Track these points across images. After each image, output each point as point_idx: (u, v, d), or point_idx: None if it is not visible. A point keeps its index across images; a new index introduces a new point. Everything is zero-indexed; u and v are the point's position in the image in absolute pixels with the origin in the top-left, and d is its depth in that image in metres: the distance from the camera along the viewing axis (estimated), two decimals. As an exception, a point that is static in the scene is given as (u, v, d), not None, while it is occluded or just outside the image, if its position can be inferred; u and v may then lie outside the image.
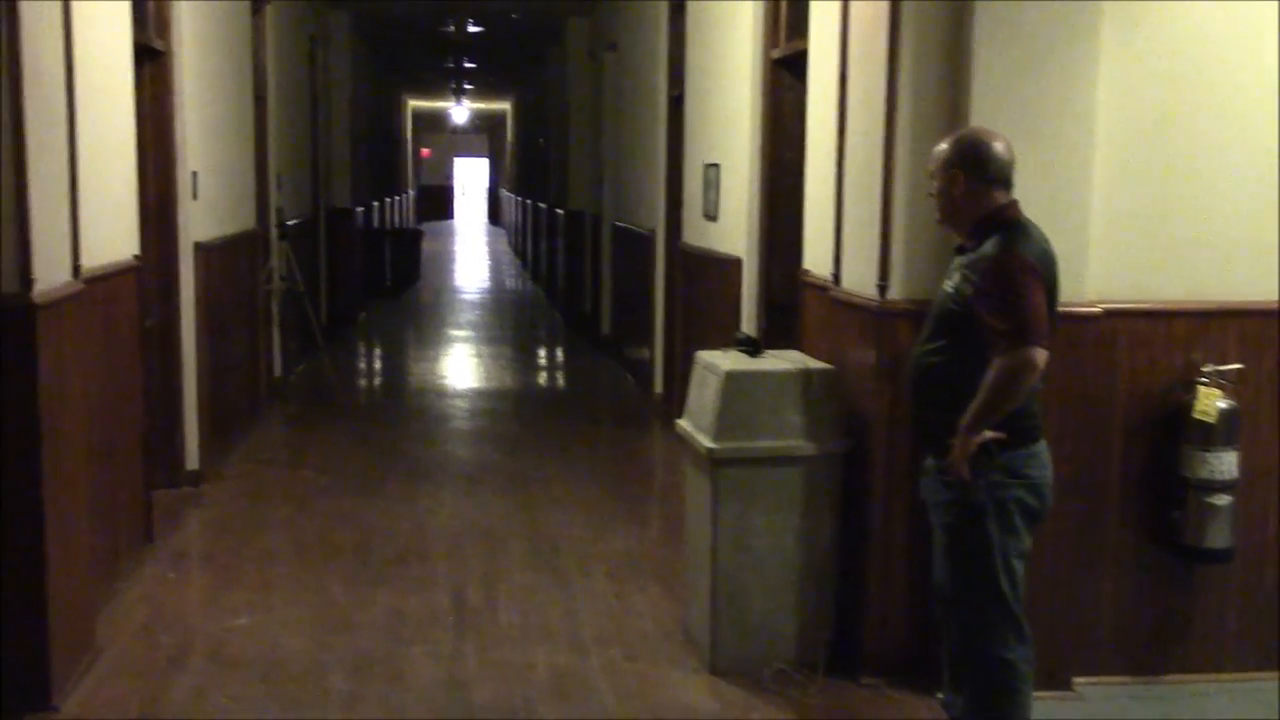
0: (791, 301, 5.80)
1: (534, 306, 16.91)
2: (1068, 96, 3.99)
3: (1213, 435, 4.07)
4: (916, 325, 3.93)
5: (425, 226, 28.17)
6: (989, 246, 3.40)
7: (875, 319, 4.19)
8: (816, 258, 4.98)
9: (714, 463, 4.29)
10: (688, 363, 7.80)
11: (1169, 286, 4.22)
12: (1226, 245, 4.24)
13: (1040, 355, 3.29)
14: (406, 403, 9.99)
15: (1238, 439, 4.11)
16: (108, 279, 4.92)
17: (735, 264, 6.61)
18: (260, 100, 8.85)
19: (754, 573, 4.38)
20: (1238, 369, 4.17)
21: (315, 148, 12.01)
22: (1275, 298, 4.24)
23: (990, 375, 3.30)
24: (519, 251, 24.52)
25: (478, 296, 18.51)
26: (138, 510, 5.53)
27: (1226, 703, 4.30)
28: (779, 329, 6.07)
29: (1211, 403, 4.06)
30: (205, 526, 6.16)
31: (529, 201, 21.54)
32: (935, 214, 3.67)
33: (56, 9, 4.13)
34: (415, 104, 29.19)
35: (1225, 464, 4.09)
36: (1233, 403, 4.10)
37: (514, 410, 9.74)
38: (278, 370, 9.43)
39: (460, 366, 11.79)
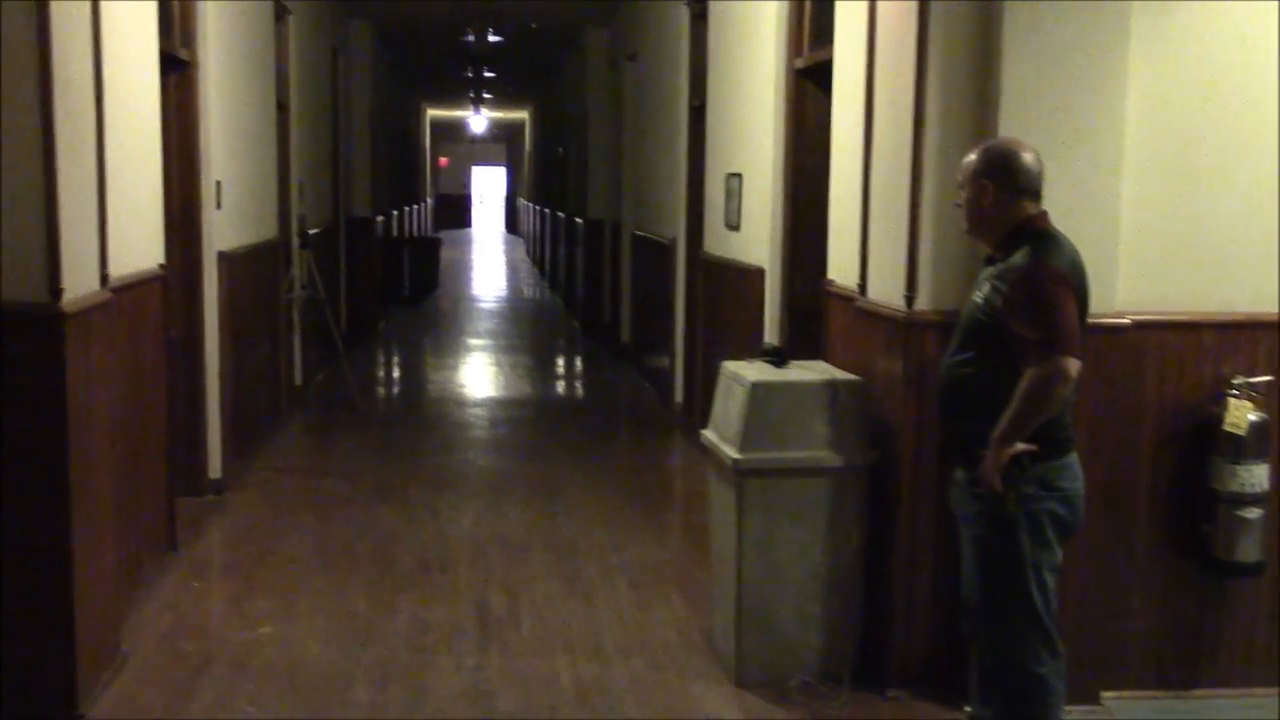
0: (815, 311, 5.79)
1: (552, 315, 16.92)
2: (1097, 106, 3.98)
3: (1243, 448, 4.04)
4: (944, 336, 3.92)
5: (443, 235, 28.20)
6: (1019, 257, 3.39)
7: (902, 330, 4.18)
8: (841, 268, 4.97)
9: (739, 473, 4.28)
10: (708, 372, 7.84)
11: (1198, 297, 4.20)
12: (1256, 256, 4.21)
13: (1073, 365, 3.27)
14: (426, 411, 10.00)
15: (1269, 452, 4.08)
16: (134, 288, 4.94)
17: (758, 273, 6.60)
18: (282, 109, 8.88)
19: (779, 584, 4.37)
20: (1268, 381, 4.14)
21: (336, 156, 12.05)
22: (1306, 309, 4.21)
23: (1022, 386, 3.28)
24: (537, 260, 24.55)
25: (496, 305, 18.53)
26: (161, 518, 5.54)
27: (1256, 718, 4.26)
28: (802, 339, 6.06)
29: (1242, 415, 4.03)
30: (228, 534, 6.17)
31: (547, 210, 21.57)
32: (963, 224, 3.65)
33: (86, 19, 4.14)
34: (433, 113, 29.28)
35: (1256, 477, 4.05)
36: (1263, 415, 4.06)
37: (534, 419, 9.75)
38: (298, 379, 9.45)
39: (479, 375, 11.80)
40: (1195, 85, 4.14)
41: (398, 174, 18.83)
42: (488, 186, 46.91)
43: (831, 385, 4.35)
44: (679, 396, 9.13)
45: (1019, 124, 3.91)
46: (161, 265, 5.47)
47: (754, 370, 4.46)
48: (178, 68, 6.24)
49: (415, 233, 22.33)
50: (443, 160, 40.36)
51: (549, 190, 21.61)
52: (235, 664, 4.55)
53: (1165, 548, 4.25)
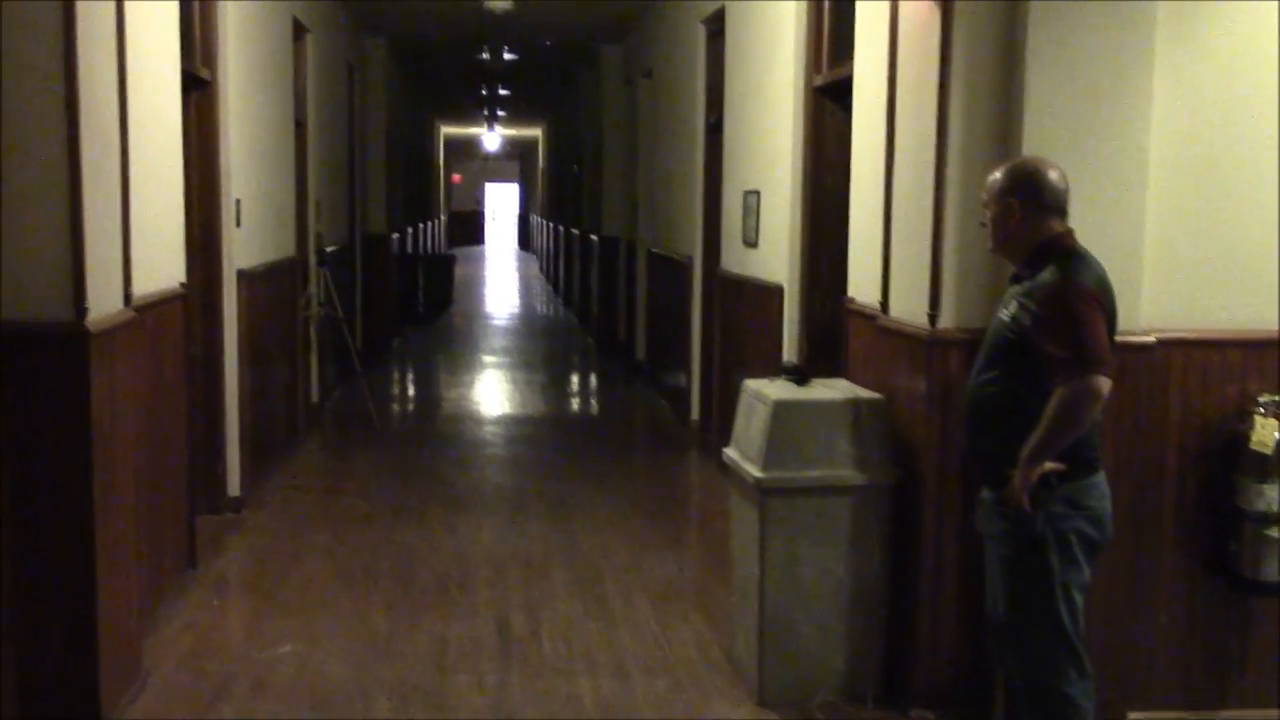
0: (834, 329, 5.79)
1: (567, 332, 16.93)
2: (1121, 123, 3.97)
3: (1269, 466, 4.00)
4: (968, 354, 3.91)
5: (456, 251, 28.27)
6: (1047, 275, 3.38)
7: (926, 348, 4.16)
8: (862, 285, 4.96)
9: (762, 492, 4.26)
10: (725, 389, 7.84)
11: (1223, 315, 4.18)
12: (1281, 273, 4.19)
13: (1103, 383, 3.26)
14: (443, 428, 9.99)
15: (1295, 470, 4.05)
16: (156, 306, 4.95)
17: (776, 291, 6.60)
18: (300, 127, 8.92)
19: (802, 603, 4.35)
20: (1294, 398, 4.12)
21: (352, 174, 12.09)
22: (1332, 327, 4.19)
23: (1052, 405, 3.27)
24: (550, 277, 24.58)
25: (511, 322, 18.55)
26: (182, 536, 5.55)
27: (1283, 738, 4.24)
28: (821, 356, 6.05)
29: (1268, 433, 4.01)
30: (247, 553, 6.17)
31: (561, 227, 21.60)
32: (987, 242, 3.64)
33: (111, 39, 4.17)
34: (447, 130, 29.37)
35: (1283, 496, 4.03)
36: (1290, 433, 4.04)
37: (550, 436, 9.74)
38: (315, 396, 9.46)
39: (495, 392, 11.81)
40: (1218, 101, 4.13)
41: (412, 191, 18.88)
42: (500, 203, 47.00)
43: (854, 403, 4.34)
44: (695, 414, 9.12)
45: (1043, 140, 3.91)
46: (183, 284, 5.49)
47: (776, 388, 4.45)
48: (198, 87, 6.27)
49: (429, 250, 22.37)
50: (456, 177, 40.48)
51: (563, 207, 21.65)
52: (256, 683, 4.54)
53: (1191, 567, 4.22)
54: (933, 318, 4.14)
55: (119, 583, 4.20)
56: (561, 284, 21.21)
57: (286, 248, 8.25)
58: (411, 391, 12.51)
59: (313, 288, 9.22)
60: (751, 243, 7.23)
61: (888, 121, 4.54)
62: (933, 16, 4.14)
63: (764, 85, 6.96)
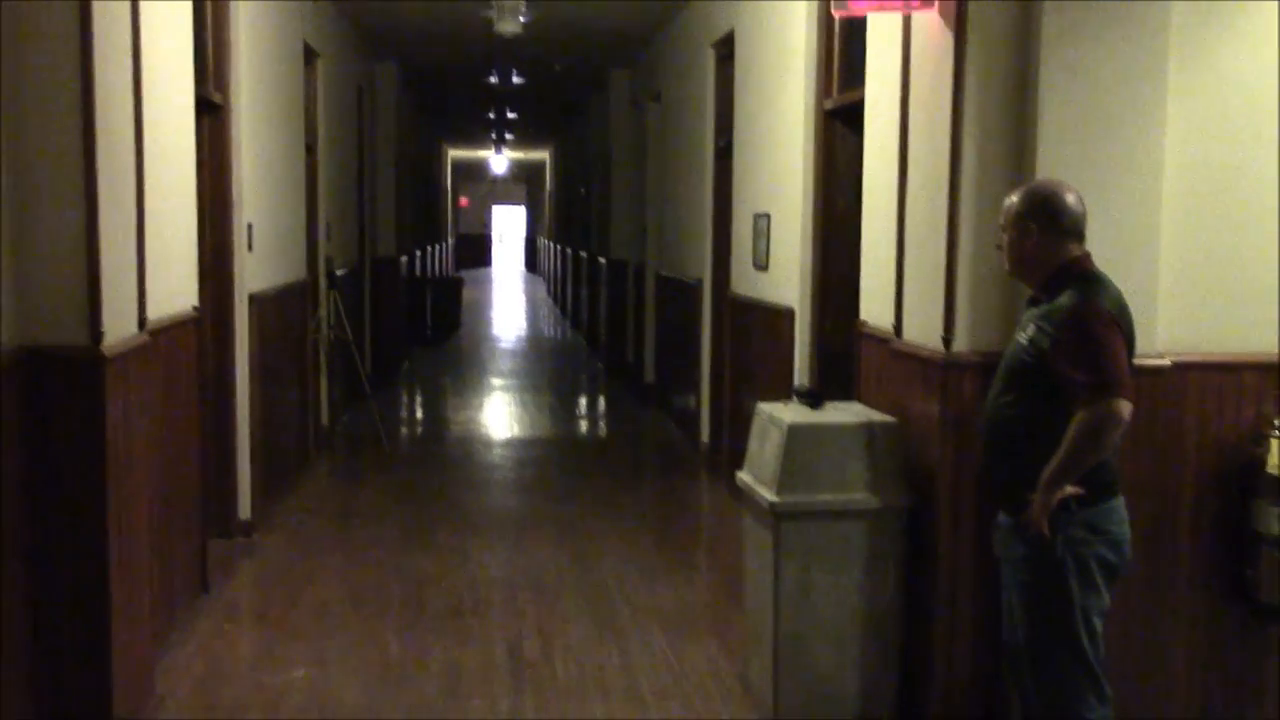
0: (845, 352, 5.78)
1: (575, 355, 16.93)
2: (1135, 146, 3.97)
3: (1287, 490, 4.00)
4: (983, 378, 3.91)
5: (464, 274, 28.30)
6: (1065, 299, 3.37)
7: (940, 372, 4.15)
8: (875, 308, 4.96)
9: (777, 516, 4.25)
10: (736, 412, 7.83)
11: (1238, 338, 4.16)
12: (1296, 296, 4.18)
13: (1125, 407, 3.25)
14: (453, 451, 9.99)
15: (1313, 494, 4.03)
16: (169, 330, 4.96)
17: (787, 314, 6.59)
18: (311, 150, 8.95)
19: (817, 627, 4.33)
20: (1311, 422, 4.10)
21: (361, 197, 12.12)
22: (1348, 349, 4.17)
23: (1074, 429, 3.26)
24: (558, 299, 24.61)
25: (519, 345, 18.56)
26: (194, 560, 5.54)
27: (1303, 764, 4.20)
28: (832, 379, 6.04)
29: (1286, 457, 3.99)
30: (259, 577, 6.16)
31: (569, 250, 21.63)
32: (1003, 265, 3.64)
33: (128, 65, 4.19)
34: (455, 153, 29.46)
35: (1300, 520, 4.01)
36: (1307, 457, 4.02)
37: (560, 459, 9.73)
38: (325, 419, 9.46)
39: (504, 415, 11.80)
40: (1232, 125, 4.13)
41: (420, 214, 18.92)
42: (507, 225, 47.09)
43: (869, 427, 4.33)
44: (705, 437, 9.11)
45: (1056, 163, 3.91)
46: (195, 307, 5.50)
47: (790, 412, 4.44)
48: (211, 111, 6.29)
49: (437, 272, 22.41)
50: (463, 200, 40.58)
51: (571, 230, 21.69)
52: (269, 709, 4.53)
53: (1208, 592, 4.20)
54: (947, 341, 4.14)
55: (133, 606, 4.20)
56: (569, 306, 21.23)
57: (297, 271, 8.27)
58: (420, 414, 12.51)
59: (323, 310, 9.24)
60: (762, 266, 7.23)
61: (900, 144, 4.54)
62: (945, 40, 4.15)
63: (775, 108, 6.97)
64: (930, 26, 4.28)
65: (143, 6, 4.29)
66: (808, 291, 6.43)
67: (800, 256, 6.45)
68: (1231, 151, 4.14)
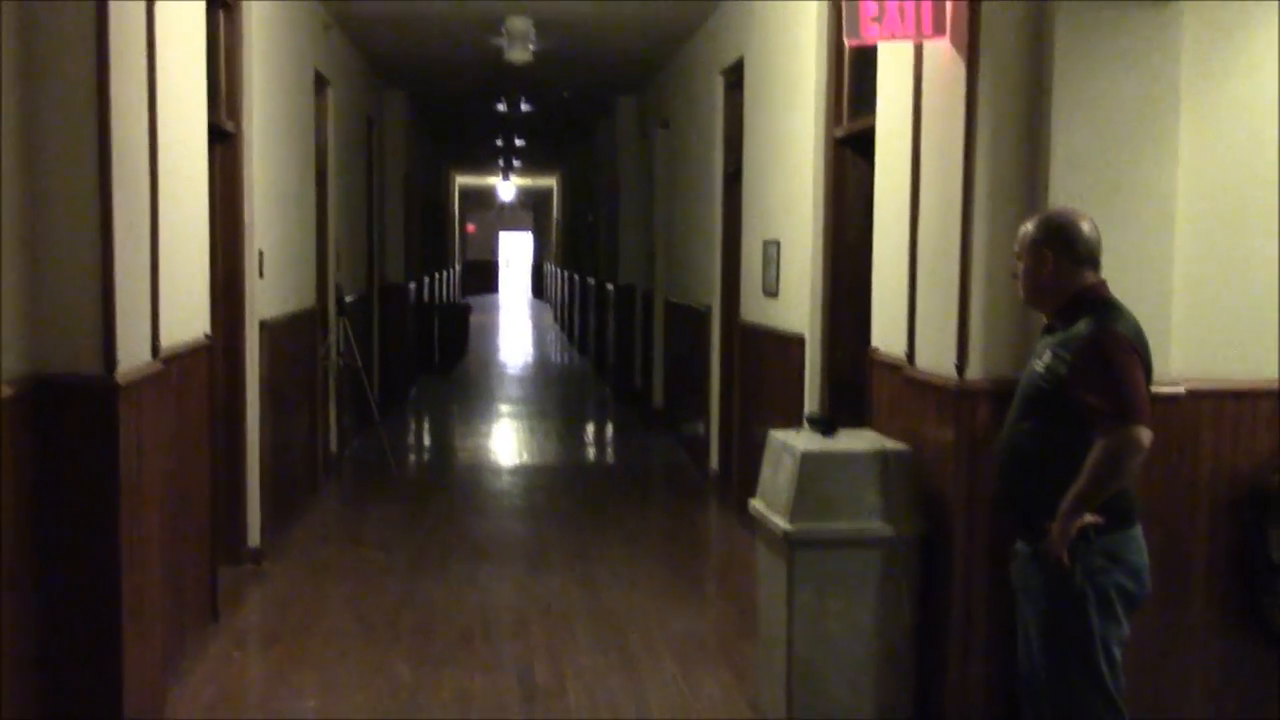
0: (855, 379, 5.77)
1: (583, 381, 16.93)
2: (1148, 173, 3.98)
3: (1303, 519, 3.98)
4: (997, 405, 3.90)
5: (471, 300, 28.33)
6: (1082, 326, 3.37)
7: (954, 399, 4.15)
8: (887, 335, 4.95)
9: (790, 544, 4.24)
10: (745, 439, 7.82)
11: (1253, 366, 4.16)
12: (1310, 324, 4.17)
13: (1145, 434, 3.24)
14: (461, 478, 9.98)
15: (1329, 523, 4.02)
16: (182, 358, 4.96)
17: (798, 340, 6.59)
18: (321, 178, 8.98)
19: (830, 655, 4.31)
20: (1326, 450, 4.09)
21: (370, 224, 12.15)
22: (1362, 377, 4.16)
23: (1094, 456, 3.25)
24: (565, 325, 24.63)
25: (526, 371, 18.56)
26: (204, 588, 5.53)
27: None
28: (843, 406, 6.03)
29: (1301, 484, 3.98)
30: (268, 605, 6.15)
31: (577, 276, 21.66)
32: (1019, 293, 3.64)
33: (143, 94, 4.21)
34: (462, 180, 29.54)
35: (1317, 548, 4.00)
36: (1323, 485, 4.01)
37: (569, 486, 9.71)
38: (334, 446, 9.46)
39: (513, 441, 11.79)
40: (1246, 151, 4.14)
41: (429, 241, 18.96)
42: (514, 251, 47.21)
43: (882, 455, 4.32)
44: (715, 464, 9.09)
45: (1069, 190, 3.92)
46: (207, 334, 5.50)
47: (804, 439, 4.44)
48: (223, 139, 6.32)
49: (445, 299, 22.43)
50: (470, 227, 40.69)
51: (579, 256, 21.72)
52: (280, 737, 4.52)
53: (1225, 621, 4.18)
54: (960, 368, 4.13)
55: (144, 633, 4.19)
56: (577, 332, 21.24)
57: (307, 298, 8.28)
58: (429, 440, 12.50)
59: (332, 337, 9.25)
60: (772, 292, 7.23)
61: (912, 172, 4.55)
62: (957, 67, 4.16)
63: (784, 135, 6.98)
64: (942, 55, 4.30)
65: (157, 37, 4.31)
66: (818, 318, 6.43)
67: (810, 283, 6.45)
68: (1246, 179, 4.14)
